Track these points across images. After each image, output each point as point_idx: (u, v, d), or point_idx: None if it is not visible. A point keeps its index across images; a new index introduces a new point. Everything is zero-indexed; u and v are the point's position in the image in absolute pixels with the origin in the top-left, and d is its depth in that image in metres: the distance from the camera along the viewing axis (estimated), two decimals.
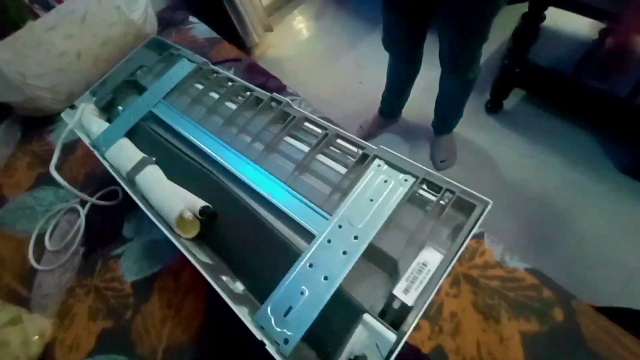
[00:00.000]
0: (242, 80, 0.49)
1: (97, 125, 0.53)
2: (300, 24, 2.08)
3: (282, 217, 0.36)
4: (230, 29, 1.75)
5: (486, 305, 0.43)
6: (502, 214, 1.08)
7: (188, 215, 0.37)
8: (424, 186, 0.35)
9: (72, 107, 0.60)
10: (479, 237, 0.48)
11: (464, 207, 0.32)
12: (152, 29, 0.89)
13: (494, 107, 1.16)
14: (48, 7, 1.00)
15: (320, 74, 1.76)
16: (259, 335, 0.29)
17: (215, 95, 0.50)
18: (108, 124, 0.53)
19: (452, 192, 0.32)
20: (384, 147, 0.37)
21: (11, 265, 0.64)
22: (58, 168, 0.75)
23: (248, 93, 0.47)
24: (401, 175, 0.34)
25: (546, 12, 0.87)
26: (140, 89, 0.58)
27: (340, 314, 0.29)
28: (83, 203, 0.67)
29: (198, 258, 0.37)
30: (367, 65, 1.67)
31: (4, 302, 0.55)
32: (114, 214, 0.64)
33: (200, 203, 0.38)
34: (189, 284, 0.53)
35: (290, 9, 2.15)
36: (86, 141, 0.53)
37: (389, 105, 1.33)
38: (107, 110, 0.58)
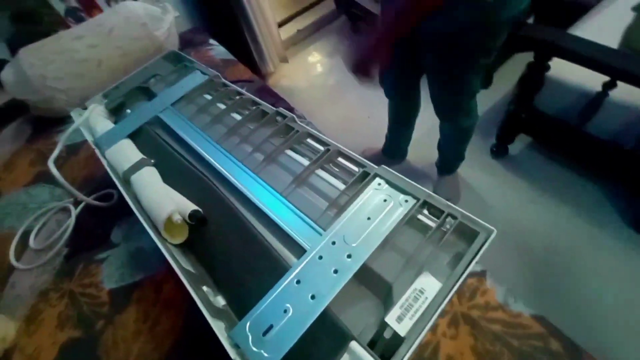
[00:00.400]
0: (249, 94, 0.49)
1: (103, 125, 0.53)
2: (314, 58, 2.19)
3: (274, 228, 0.35)
4: (247, 56, 1.84)
5: (487, 351, 0.40)
6: (505, 256, 1.04)
7: (177, 218, 0.36)
8: (425, 210, 0.33)
9: (84, 108, 0.61)
10: (480, 275, 0.45)
11: (466, 234, 0.31)
12: (173, 47, 0.93)
13: (499, 151, 1.17)
14: (81, 21, 1.07)
15: (330, 107, 1.81)
16: (232, 353, 0.26)
17: (222, 106, 0.50)
18: (112, 124, 0.53)
19: (454, 217, 0.31)
20: (386, 167, 0.36)
21: None
22: (58, 167, 0.76)
23: (254, 107, 0.48)
24: (402, 196, 0.33)
25: (551, 63, 0.91)
26: (150, 96, 0.59)
27: (325, 338, 0.27)
28: (76, 204, 0.66)
29: (181, 265, 0.35)
30: (376, 102, 1.71)
31: None
32: (106, 218, 0.62)
33: (190, 207, 0.36)
34: (170, 298, 0.50)
35: (307, 44, 2.27)
36: (89, 139, 0.53)
37: (392, 145, 1.34)
38: (116, 113, 0.58)
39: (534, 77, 0.95)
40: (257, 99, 0.48)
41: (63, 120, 0.86)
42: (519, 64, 1.28)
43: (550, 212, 1.11)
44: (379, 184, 0.35)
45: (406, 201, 0.33)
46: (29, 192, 0.72)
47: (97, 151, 0.51)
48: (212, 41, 1.00)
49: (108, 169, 0.47)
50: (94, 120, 0.55)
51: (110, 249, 0.59)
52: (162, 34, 0.89)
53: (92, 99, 0.61)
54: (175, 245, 0.38)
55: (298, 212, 0.35)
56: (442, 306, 0.26)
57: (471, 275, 0.44)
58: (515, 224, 1.10)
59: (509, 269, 1.03)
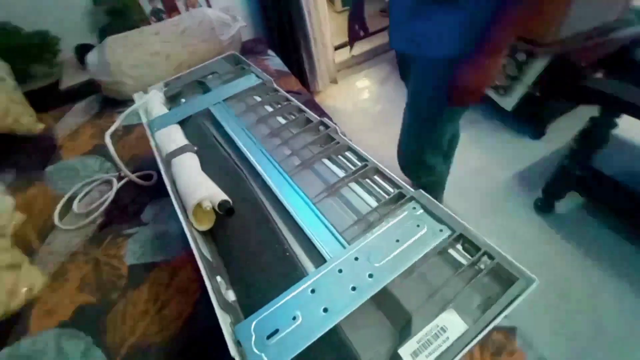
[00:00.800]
0: (297, 102, 0.51)
1: (158, 109, 0.57)
2: (363, 84, 2.23)
3: (298, 233, 0.34)
4: (299, 71, 1.92)
5: None
6: (541, 317, 0.93)
7: (207, 204, 0.36)
8: (459, 245, 0.31)
9: (145, 92, 0.66)
10: (509, 331, 0.41)
11: (502, 278, 0.28)
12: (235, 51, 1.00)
13: (544, 207, 1.08)
14: (161, 20, 1.19)
15: (371, 133, 1.82)
16: (233, 350, 0.25)
17: (269, 109, 0.52)
18: (166, 110, 0.57)
19: (492, 258, 0.28)
20: (424, 192, 0.34)
21: (37, 217, 0.67)
22: (113, 143, 0.82)
23: (300, 114, 0.49)
24: (437, 225, 0.31)
25: (618, 120, 0.84)
26: (206, 90, 0.63)
27: (330, 356, 0.25)
28: (119, 179, 0.71)
29: (201, 250, 0.35)
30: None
31: (14, 246, 0.56)
32: (142, 197, 0.66)
33: (221, 196, 0.37)
34: (182, 285, 0.51)
35: (358, 70, 2.33)
36: (144, 120, 0.57)
37: None
38: (172, 101, 0.63)
39: (597, 133, 0.88)
40: (303, 107, 0.49)
41: (126, 102, 0.94)
42: (577, 117, 1.20)
43: (598, 281, 0.99)
44: (414, 208, 0.33)
45: (440, 231, 0.31)
46: (84, 160, 0.79)
47: (148, 131, 0.54)
48: (270, 52, 1.06)
49: (154, 149, 0.50)
50: (151, 104, 0.59)
51: (138, 226, 0.61)
52: (226, 40, 0.96)
53: (154, 85, 0.66)
54: (199, 232, 0.39)
55: (325, 220, 0.34)
56: (464, 351, 0.23)
57: (499, 328, 0.39)
58: (555, 286, 1.00)
59: (543, 334, 0.92)
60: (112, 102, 0.96)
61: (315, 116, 0.47)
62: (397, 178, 0.37)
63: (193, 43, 0.92)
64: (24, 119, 0.85)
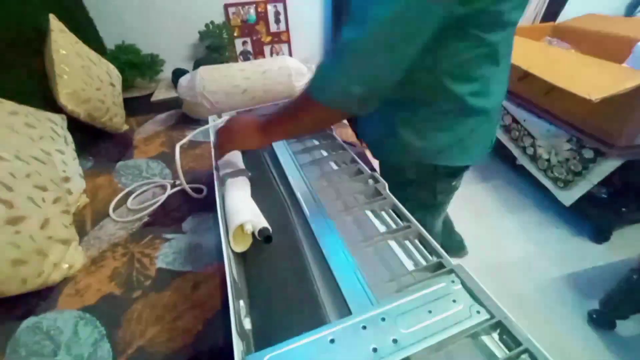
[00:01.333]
0: (351, 152, 0.53)
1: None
2: None
3: (329, 277, 0.34)
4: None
5: None
6: None
7: (248, 227, 0.38)
8: (495, 334, 0.28)
9: (219, 116, 0.74)
10: None
11: None
12: None
13: (602, 322, 0.94)
14: (247, 60, 1.37)
15: None
16: None
17: (324, 153, 0.55)
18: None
19: (534, 358, 0.25)
20: (464, 267, 0.33)
21: (97, 203, 0.74)
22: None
23: (352, 164, 0.51)
24: (474, 305, 0.29)
25: None
26: None
27: None
28: (173, 186, 0.77)
29: (232, 271, 0.36)
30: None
31: (72, 224, 0.62)
32: (187, 207, 0.71)
33: (263, 223, 0.39)
34: (201, 299, 0.51)
35: None
36: (212, 139, 0.64)
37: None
38: None
39: None
40: (357, 158, 0.51)
41: (200, 121, 1.05)
42: None
43: None
44: (453, 282, 0.31)
45: (478, 312, 0.28)
46: (149, 163, 0.88)
47: (212, 151, 0.60)
48: None
49: (214, 167, 0.54)
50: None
51: (177, 233, 0.65)
52: (299, 86, 1.06)
53: (228, 112, 0.74)
54: (234, 252, 0.40)
55: (357, 271, 0.33)
56: None
57: None
58: None
59: None
60: (188, 119, 1.08)
61: (367, 169, 0.49)
62: (437, 246, 0.36)
63: (269, 84, 1.03)
64: (116, 119, 0.98)
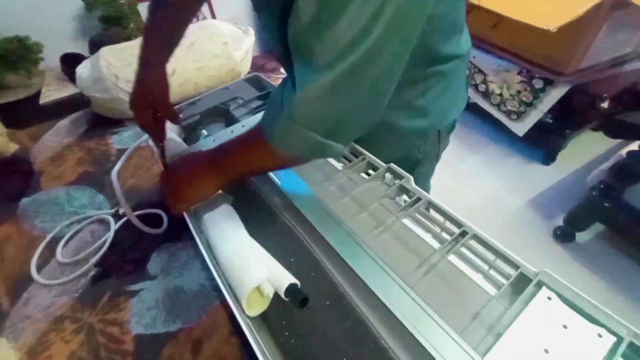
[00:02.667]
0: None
1: (176, 143, 0.47)
2: None
3: (398, 329, 0.26)
4: None
5: None
6: None
7: (268, 290, 0.27)
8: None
9: None
10: None
11: None
12: (246, 69, 0.92)
13: (565, 236, 1.06)
14: None
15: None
16: None
17: None
18: (186, 145, 0.47)
19: None
20: (550, 272, 0.27)
21: (9, 266, 0.54)
22: (106, 170, 0.71)
23: (358, 157, 0.41)
24: (589, 326, 0.24)
25: None
26: (230, 119, 0.54)
27: None
28: (117, 216, 0.59)
29: (261, 345, 0.26)
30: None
31: None
32: (146, 241, 0.55)
33: (287, 279, 0.28)
34: None
35: None
36: (158, 155, 0.47)
37: None
38: (190, 132, 0.53)
39: (634, 168, 0.85)
40: (359, 148, 0.41)
41: (121, 122, 0.82)
42: (583, 144, 1.19)
43: (620, 311, 0.95)
44: (549, 298, 0.26)
45: (599, 336, 0.23)
46: (70, 192, 0.66)
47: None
48: (282, 70, 0.98)
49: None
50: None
51: (145, 280, 0.50)
52: (240, 55, 0.87)
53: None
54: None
55: (433, 314, 0.26)
56: None
57: None
58: None
59: None
60: (104, 120, 0.84)
61: (378, 160, 0.39)
62: (509, 252, 0.29)
63: (202, 58, 0.82)
64: None
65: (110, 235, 0.56)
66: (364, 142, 0.41)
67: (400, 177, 0.37)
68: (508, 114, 1.24)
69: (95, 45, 0.94)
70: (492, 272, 0.29)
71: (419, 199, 0.34)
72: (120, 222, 0.58)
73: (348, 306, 0.28)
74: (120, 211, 0.60)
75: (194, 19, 1.15)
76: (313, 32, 0.25)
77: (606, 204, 0.91)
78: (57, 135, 0.81)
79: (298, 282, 0.28)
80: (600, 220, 0.98)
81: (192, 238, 0.55)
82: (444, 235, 0.32)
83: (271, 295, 0.28)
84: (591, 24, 0.87)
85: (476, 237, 0.31)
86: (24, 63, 0.87)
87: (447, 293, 0.28)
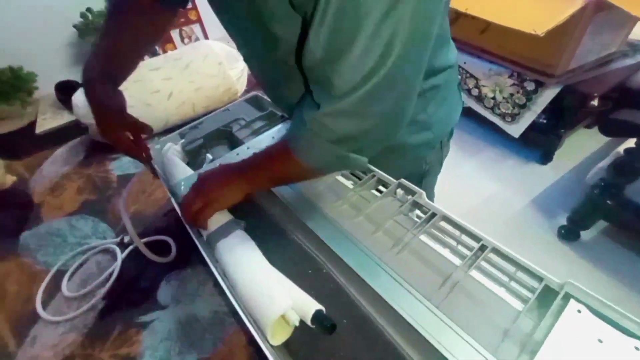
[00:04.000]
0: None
1: (180, 168, 0.47)
2: None
3: (430, 353, 0.25)
4: None
5: None
6: None
7: (294, 319, 0.27)
8: None
9: (154, 141, 0.56)
10: None
11: None
12: (242, 87, 0.92)
13: (570, 235, 1.06)
14: (154, 54, 1.09)
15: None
16: None
17: None
18: (192, 170, 0.47)
19: None
20: (575, 283, 0.27)
21: (12, 303, 0.52)
22: (107, 198, 0.70)
23: (367, 174, 0.41)
24: (626, 339, 0.24)
25: None
26: (233, 141, 0.54)
27: None
28: (122, 245, 0.58)
29: None
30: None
31: None
32: (153, 270, 0.54)
33: (312, 305, 0.28)
34: None
35: None
36: (164, 182, 0.47)
37: None
38: (193, 156, 0.53)
39: (633, 165, 0.87)
40: (371, 167, 0.41)
41: None
42: (579, 140, 1.20)
43: (631, 309, 0.95)
44: (579, 311, 0.25)
45: (637, 349, 0.23)
46: (72, 222, 0.65)
47: (173, 200, 0.44)
48: None
49: (187, 225, 0.39)
50: (169, 160, 0.49)
51: (155, 310, 0.49)
52: (236, 75, 0.87)
53: (168, 137, 0.56)
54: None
55: (464, 334, 0.25)
56: None
57: None
58: None
59: None
60: (102, 146, 0.83)
61: (388, 177, 0.39)
62: (530, 264, 0.29)
63: (198, 79, 0.82)
64: None
65: (117, 265, 0.54)
66: (372, 163, 0.41)
67: (413, 192, 0.37)
68: (503, 116, 1.26)
69: None
70: (514, 285, 0.29)
71: (434, 214, 0.34)
72: (126, 251, 0.57)
73: (375, 329, 0.27)
74: (126, 239, 0.58)
75: (182, 40, 1.16)
76: (328, 64, 0.26)
77: (608, 202, 0.92)
78: (55, 165, 0.80)
79: (323, 308, 0.28)
80: (604, 218, 0.99)
81: (201, 263, 0.55)
82: (461, 249, 0.32)
83: (297, 324, 0.27)
84: (576, 26, 0.90)
85: (495, 250, 0.31)
86: (18, 93, 0.87)
87: (474, 310, 0.28)
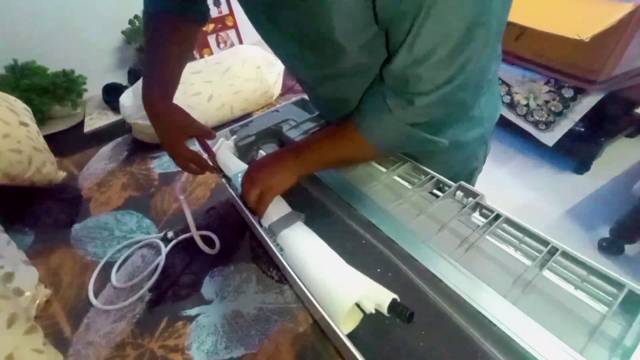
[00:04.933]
0: (412, 161, 0.43)
1: (235, 162, 0.48)
2: None
3: (514, 349, 0.24)
4: None
5: None
6: None
7: (369, 307, 0.26)
8: None
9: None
10: None
11: None
12: (277, 91, 0.94)
13: (611, 248, 1.01)
14: (193, 59, 1.14)
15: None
16: None
17: (383, 169, 0.44)
18: (246, 165, 0.48)
19: None
20: None
21: (66, 292, 0.55)
22: (149, 196, 0.72)
23: (424, 175, 0.41)
24: None
25: None
26: (283, 140, 0.55)
27: None
28: (165, 240, 0.60)
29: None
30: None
31: (48, 341, 0.43)
32: (195, 265, 0.55)
33: (387, 294, 0.27)
34: None
35: None
36: (224, 178, 0.48)
37: None
38: (246, 152, 0.54)
39: None
40: (426, 169, 0.41)
41: (159, 147, 0.85)
42: (620, 149, 1.15)
43: None
44: None
45: None
46: (118, 217, 0.68)
47: (231, 191, 0.45)
48: None
49: (245, 214, 0.40)
50: (223, 155, 0.50)
51: (200, 305, 0.50)
52: (272, 78, 0.90)
53: (219, 132, 0.58)
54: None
55: (548, 333, 0.24)
56: None
57: None
58: None
59: None
60: (143, 145, 0.86)
61: (446, 180, 0.39)
62: (605, 269, 0.28)
63: (238, 83, 0.85)
64: (46, 168, 0.74)
65: (162, 259, 0.56)
66: (429, 162, 0.41)
67: (474, 194, 0.36)
68: (536, 124, 1.23)
69: (133, 75, 0.99)
70: (588, 287, 0.28)
71: (498, 216, 0.34)
72: (170, 246, 0.58)
73: (452, 324, 0.27)
74: (169, 235, 0.60)
75: (217, 44, 1.20)
76: (420, 64, 0.28)
77: None
78: (100, 162, 0.84)
79: (397, 297, 0.28)
80: None
81: (244, 260, 0.55)
82: (528, 250, 0.31)
83: (373, 311, 0.27)
84: (624, 31, 0.87)
85: (564, 254, 0.30)
86: (70, 95, 0.92)
87: (552, 309, 0.27)
